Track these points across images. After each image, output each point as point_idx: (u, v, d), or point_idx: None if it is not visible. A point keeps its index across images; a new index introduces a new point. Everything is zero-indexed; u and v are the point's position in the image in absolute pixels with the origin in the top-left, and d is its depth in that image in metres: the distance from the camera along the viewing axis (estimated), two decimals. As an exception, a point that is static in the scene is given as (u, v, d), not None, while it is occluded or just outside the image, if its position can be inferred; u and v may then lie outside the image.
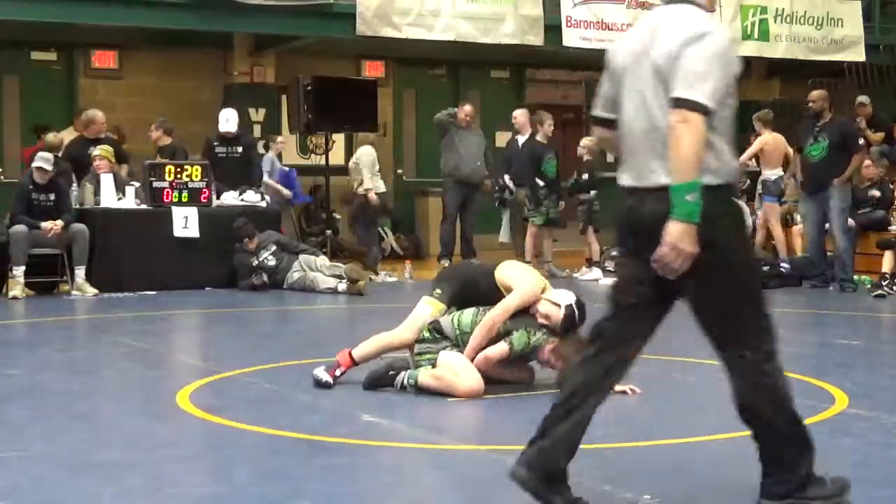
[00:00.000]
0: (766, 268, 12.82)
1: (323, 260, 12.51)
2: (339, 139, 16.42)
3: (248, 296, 11.86)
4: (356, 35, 15.08)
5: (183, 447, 5.36)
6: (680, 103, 3.80)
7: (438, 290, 6.74)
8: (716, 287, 3.94)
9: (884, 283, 11.90)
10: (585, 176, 14.32)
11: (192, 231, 12.43)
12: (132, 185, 12.58)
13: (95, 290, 11.62)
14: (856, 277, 12.51)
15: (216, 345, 9.14)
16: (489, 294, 6.59)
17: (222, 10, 14.50)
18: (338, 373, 6.58)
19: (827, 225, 12.34)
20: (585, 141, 14.89)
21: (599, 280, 13.42)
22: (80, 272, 11.69)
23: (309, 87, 13.95)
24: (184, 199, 12.52)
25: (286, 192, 15.00)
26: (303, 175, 16.47)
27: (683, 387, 6.92)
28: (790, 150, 14.44)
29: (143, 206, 12.48)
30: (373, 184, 14.06)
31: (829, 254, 12.61)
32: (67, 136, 13.63)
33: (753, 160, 14.64)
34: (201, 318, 10.81)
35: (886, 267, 12.11)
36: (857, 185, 13.48)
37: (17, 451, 5.17)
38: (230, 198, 13.02)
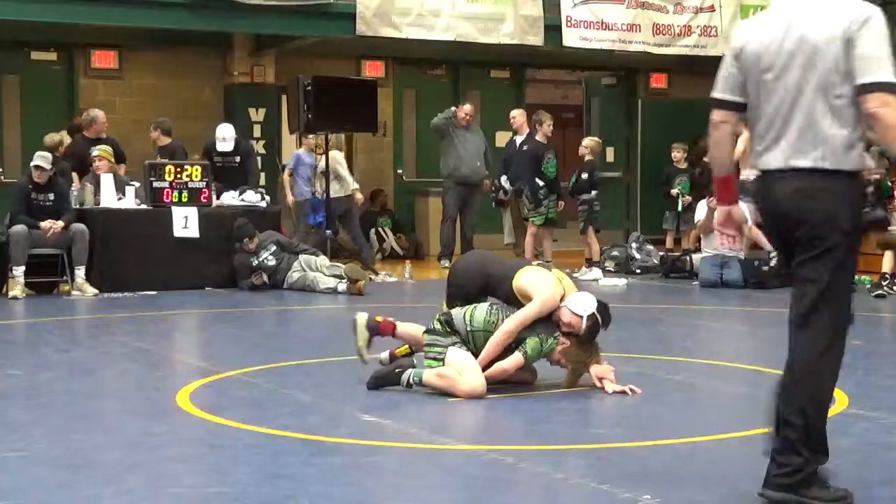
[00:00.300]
0: (765, 268, 12.83)
1: (323, 260, 12.50)
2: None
3: (248, 296, 11.86)
4: (356, 35, 15.07)
5: (183, 447, 5.36)
6: (875, 87, 3.89)
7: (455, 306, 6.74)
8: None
9: (884, 283, 11.90)
10: (585, 176, 14.31)
11: (192, 231, 12.43)
12: (132, 185, 12.58)
13: (95, 290, 11.62)
14: (856, 277, 12.49)
15: (216, 345, 9.14)
16: (503, 298, 6.60)
17: (222, 10, 14.49)
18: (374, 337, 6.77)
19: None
20: (587, 140, 14.90)
21: (599, 280, 13.42)
22: (80, 272, 11.68)
23: (309, 87, 13.94)
24: (184, 199, 12.51)
25: (290, 195, 14.75)
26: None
27: (683, 387, 6.92)
28: None
29: (143, 206, 12.47)
30: (353, 185, 14.18)
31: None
32: (67, 136, 13.62)
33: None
34: (201, 318, 10.80)
35: (886, 267, 12.11)
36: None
37: (18, 451, 5.18)
38: (230, 198, 13.01)
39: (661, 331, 9.84)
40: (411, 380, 6.36)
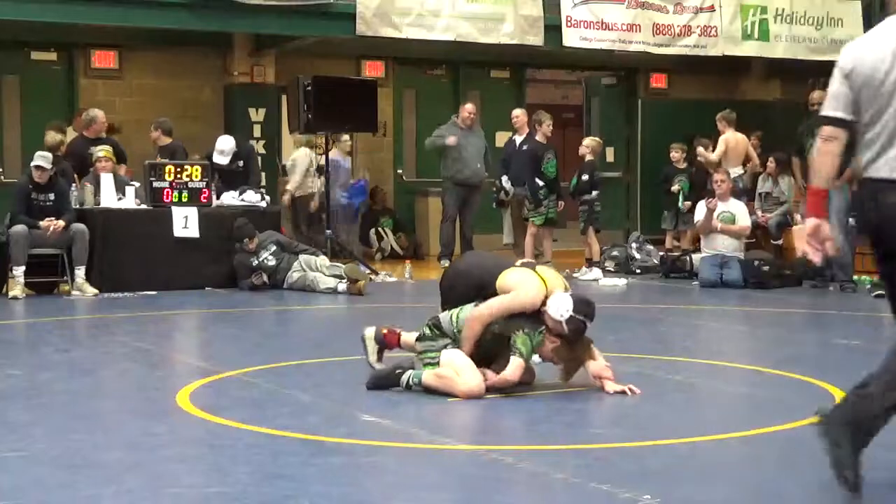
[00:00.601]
0: (766, 268, 12.83)
1: (323, 260, 12.51)
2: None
3: (248, 296, 11.86)
4: (356, 35, 15.07)
5: (183, 447, 5.36)
6: None
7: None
8: None
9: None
10: (585, 177, 14.31)
11: (192, 231, 12.43)
12: (132, 185, 12.58)
13: (95, 290, 11.62)
14: (856, 277, 12.51)
15: (216, 345, 9.14)
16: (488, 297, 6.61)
17: (222, 10, 14.49)
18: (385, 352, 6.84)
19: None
20: (587, 141, 14.90)
21: (599, 280, 13.42)
22: (80, 272, 11.69)
23: (309, 87, 13.94)
24: (184, 199, 12.51)
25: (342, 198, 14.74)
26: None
27: (683, 387, 6.92)
28: (751, 150, 14.98)
29: (143, 206, 12.48)
30: (304, 186, 14.15)
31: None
32: (67, 136, 13.60)
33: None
34: (201, 318, 10.81)
35: (886, 267, 12.09)
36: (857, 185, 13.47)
37: (18, 451, 5.18)
38: (230, 198, 13.02)
39: (661, 331, 9.84)
40: (411, 381, 6.36)
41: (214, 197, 12.87)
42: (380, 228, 16.69)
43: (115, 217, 12.26)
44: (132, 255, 12.11)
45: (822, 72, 17.85)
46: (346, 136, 15.39)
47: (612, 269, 14.44)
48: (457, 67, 18.19)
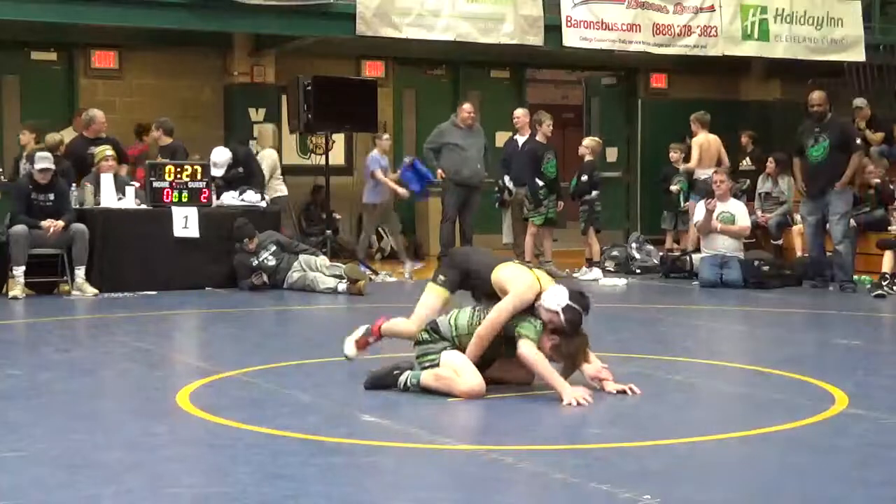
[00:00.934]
0: (766, 268, 12.83)
1: (323, 260, 12.51)
2: (338, 139, 16.41)
3: (248, 296, 11.86)
4: (356, 35, 15.07)
5: (183, 447, 5.36)
6: None
7: (442, 277, 6.81)
8: None
9: (884, 283, 11.90)
10: (585, 178, 14.32)
11: (192, 231, 12.43)
12: (132, 185, 12.58)
13: (95, 290, 11.62)
14: (856, 277, 12.51)
15: (216, 345, 9.14)
16: (484, 293, 6.61)
17: (222, 10, 14.49)
18: (371, 341, 6.93)
19: (827, 225, 12.33)
20: (587, 141, 14.91)
21: (599, 280, 13.43)
22: (80, 272, 11.69)
23: (309, 87, 13.95)
24: (184, 199, 12.51)
25: (401, 190, 14.52)
26: (302, 175, 16.48)
27: (683, 387, 6.92)
28: (723, 152, 15.11)
29: (143, 206, 12.48)
30: (272, 188, 14.08)
31: (828, 254, 12.61)
32: (67, 136, 13.62)
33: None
34: (201, 318, 10.81)
35: (886, 267, 12.11)
36: (858, 186, 13.48)
37: (18, 451, 5.18)
38: (230, 198, 13.02)
39: (661, 331, 9.83)
40: (409, 382, 6.36)
41: (214, 197, 12.87)
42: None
43: (115, 217, 12.26)
44: (132, 255, 12.11)
45: (822, 72, 17.91)
46: (386, 135, 15.16)
47: (612, 270, 14.45)
48: (457, 67, 18.20)
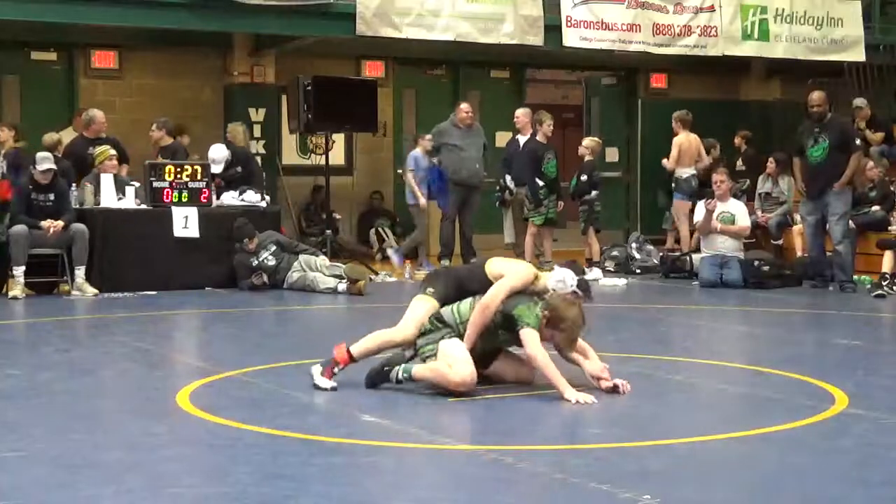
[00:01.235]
0: (766, 268, 12.83)
1: (323, 260, 12.51)
2: (339, 139, 16.41)
3: (248, 296, 11.86)
4: (356, 35, 15.06)
5: (183, 447, 5.37)
6: None
7: (430, 289, 6.82)
8: None
9: (884, 283, 11.90)
10: (585, 178, 14.31)
11: (192, 231, 12.43)
12: (132, 185, 12.58)
13: (95, 290, 11.62)
14: (856, 277, 12.51)
15: (216, 345, 9.14)
16: (482, 290, 6.62)
17: (222, 10, 14.48)
18: (336, 370, 6.55)
19: (827, 225, 12.32)
20: (587, 141, 14.90)
21: (599, 280, 13.42)
22: (80, 272, 11.68)
23: (309, 87, 13.94)
24: (184, 199, 12.51)
25: (422, 199, 14.36)
26: (302, 175, 16.47)
27: (683, 387, 6.92)
28: (703, 151, 15.09)
29: (143, 206, 12.48)
30: None
31: (828, 254, 12.60)
32: (67, 136, 13.61)
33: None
34: (201, 318, 10.81)
35: (886, 267, 12.11)
36: (858, 186, 13.48)
37: (18, 451, 5.18)
38: (230, 198, 13.01)
39: (661, 331, 9.84)
40: (400, 375, 6.38)
41: (214, 197, 12.86)
42: (380, 229, 16.69)
43: (115, 217, 12.26)
44: (132, 255, 12.11)
45: (822, 72, 17.90)
46: (428, 135, 14.94)
47: (612, 269, 14.44)
48: (457, 67, 18.19)
